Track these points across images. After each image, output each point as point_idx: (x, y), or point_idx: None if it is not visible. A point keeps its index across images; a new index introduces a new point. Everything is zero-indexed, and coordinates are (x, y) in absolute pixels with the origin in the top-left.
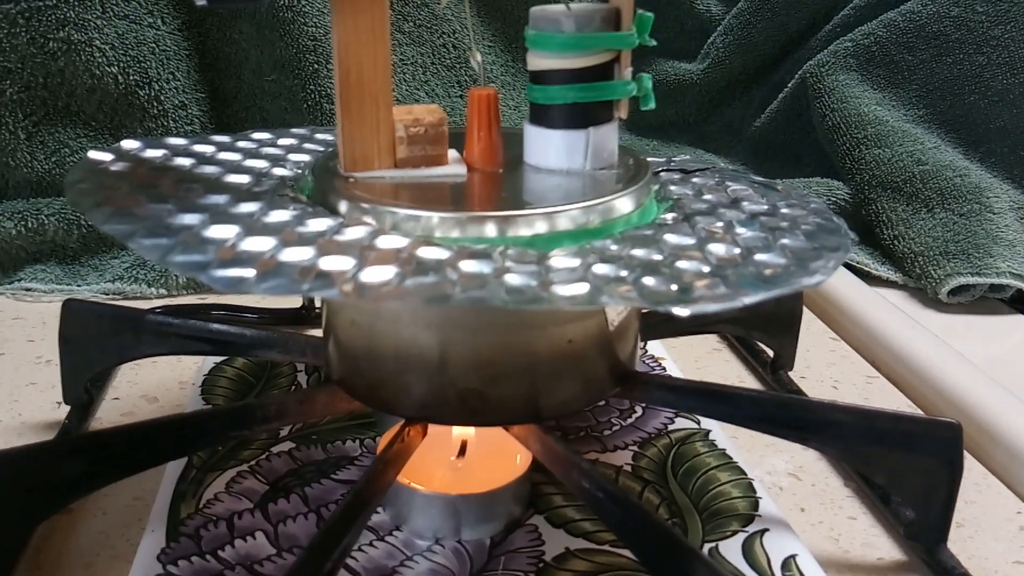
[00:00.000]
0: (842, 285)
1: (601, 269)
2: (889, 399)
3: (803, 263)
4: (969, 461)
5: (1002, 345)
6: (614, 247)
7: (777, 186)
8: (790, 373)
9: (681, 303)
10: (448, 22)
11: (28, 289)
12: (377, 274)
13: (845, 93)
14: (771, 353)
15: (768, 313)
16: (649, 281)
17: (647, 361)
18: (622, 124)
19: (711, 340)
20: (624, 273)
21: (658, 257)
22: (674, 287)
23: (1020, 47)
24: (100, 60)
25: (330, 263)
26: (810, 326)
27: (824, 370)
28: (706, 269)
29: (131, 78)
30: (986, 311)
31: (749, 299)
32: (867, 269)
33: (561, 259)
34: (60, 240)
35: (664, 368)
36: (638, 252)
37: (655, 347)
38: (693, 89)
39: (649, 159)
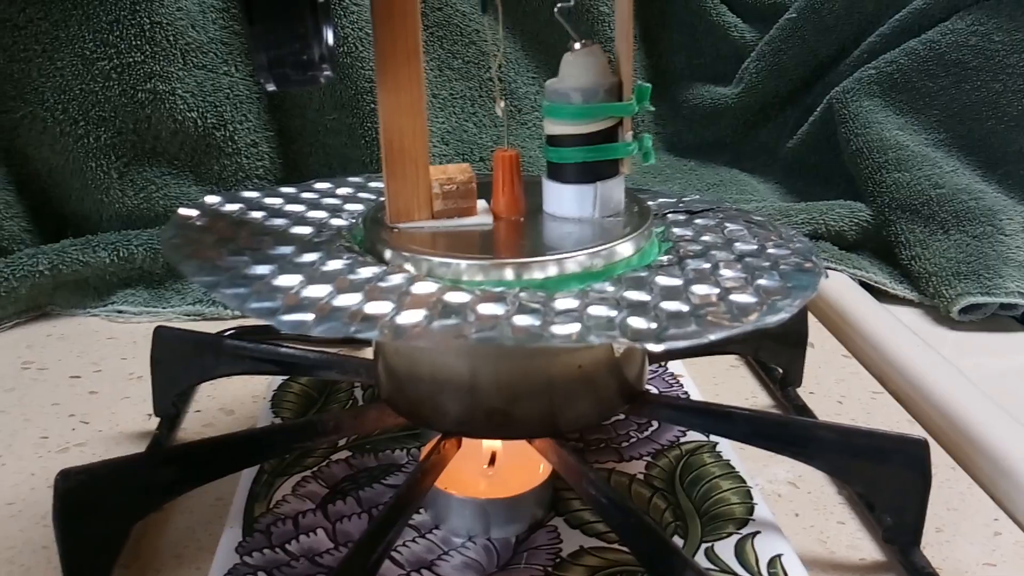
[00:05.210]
0: (855, 304)
1: (596, 310)
2: (891, 414)
3: (772, 302)
4: (956, 472)
5: (1012, 361)
6: (611, 289)
7: (769, 226)
8: (801, 388)
9: (656, 340)
10: (495, 58)
11: (120, 311)
12: (410, 317)
13: (868, 118)
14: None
15: (775, 335)
16: (633, 321)
17: (666, 378)
18: (664, 144)
19: (730, 358)
20: (614, 314)
21: (647, 298)
22: (653, 326)
23: None
24: (182, 107)
25: (373, 308)
26: (824, 344)
27: (833, 386)
28: (685, 309)
29: (208, 121)
30: (997, 328)
31: (715, 336)
32: (884, 288)
33: (564, 301)
34: (147, 267)
35: (682, 385)
36: (630, 294)
37: (675, 366)
38: (729, 112)
39: (660, 199)
